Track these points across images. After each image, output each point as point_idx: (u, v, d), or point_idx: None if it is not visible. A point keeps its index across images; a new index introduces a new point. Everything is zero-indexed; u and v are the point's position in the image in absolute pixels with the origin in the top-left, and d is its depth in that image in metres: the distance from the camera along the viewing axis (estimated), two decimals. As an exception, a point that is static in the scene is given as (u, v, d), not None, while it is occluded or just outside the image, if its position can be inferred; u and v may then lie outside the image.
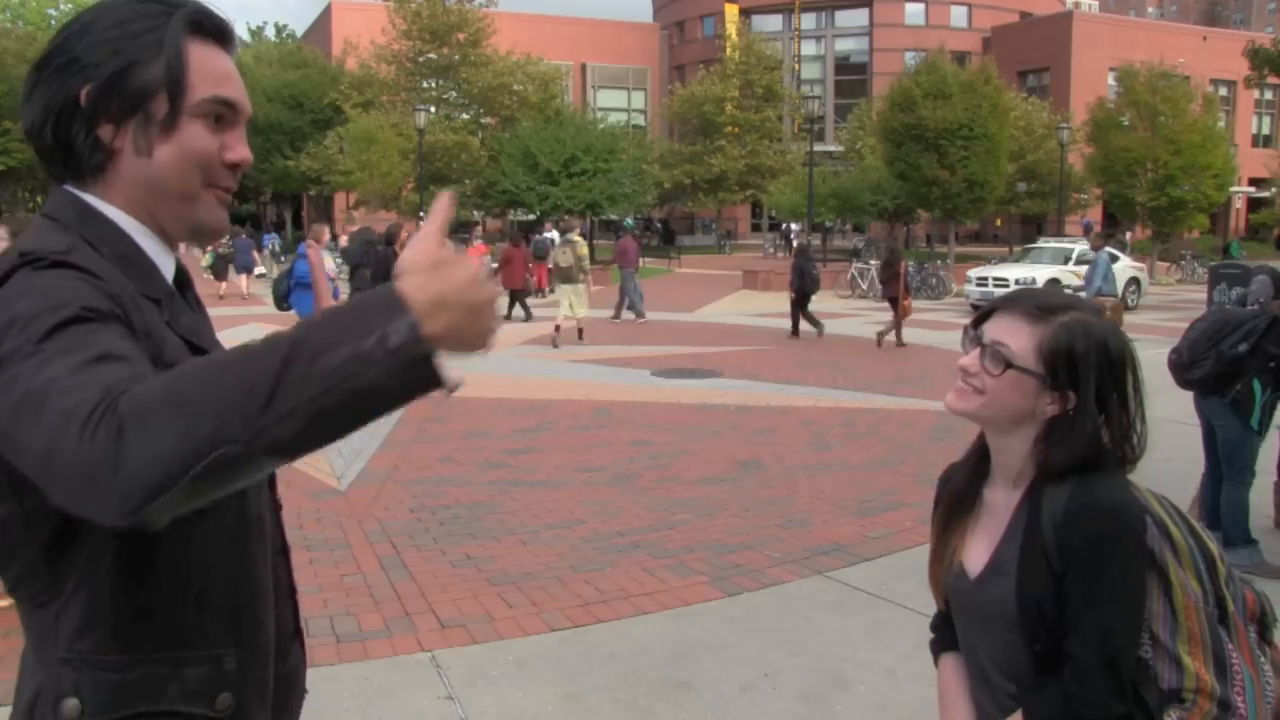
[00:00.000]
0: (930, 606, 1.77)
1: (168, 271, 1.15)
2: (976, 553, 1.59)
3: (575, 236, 14.52)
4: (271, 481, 1.26)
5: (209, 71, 1.12)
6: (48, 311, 0.91)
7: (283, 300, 10.23)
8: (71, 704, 1.03)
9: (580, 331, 14.09)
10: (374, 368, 0.83)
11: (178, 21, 1.11)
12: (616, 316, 17.40)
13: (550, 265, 17.27)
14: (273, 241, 33.50)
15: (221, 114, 1.13)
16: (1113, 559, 1.43)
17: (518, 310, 17.12)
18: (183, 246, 1.23)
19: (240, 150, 1.15)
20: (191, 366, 0.86)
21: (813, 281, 14.76)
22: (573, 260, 13.79)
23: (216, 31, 1.15)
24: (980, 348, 1.53)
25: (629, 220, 33.81)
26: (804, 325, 14.93)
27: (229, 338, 1.21)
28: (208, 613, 1.10)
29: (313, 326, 0.85)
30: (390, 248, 11.53)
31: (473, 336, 0.90)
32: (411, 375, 0.85)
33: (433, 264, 0.88)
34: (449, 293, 0.87)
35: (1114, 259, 11.00)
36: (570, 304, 13.80)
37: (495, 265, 17.35)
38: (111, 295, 0.99)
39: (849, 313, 19.54)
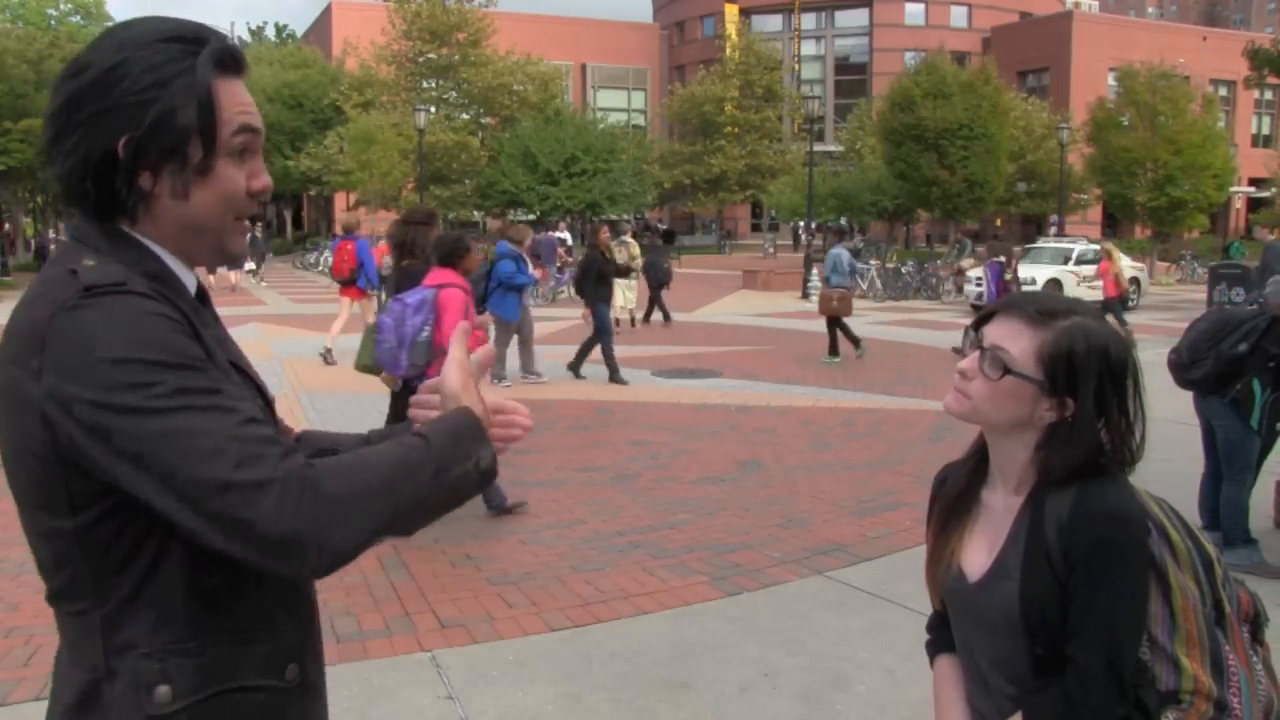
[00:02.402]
0: (930, 606, 1.77)
1: (191, 288, 1.20)
2: (976, 555, 1.58)
3: (628, 238, 16.38)
4: None
5: (234, 105, 1.14)
6: (158, 363, 1.01)
7: (478, 304, 9.37)
8: (163, 690, 1.11)
9: (633, 320, 15.98)
10: (470, 482, 1.16)
11: (206, 63, 1.12)
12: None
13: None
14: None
15: (246, 144, 1.16)
16: (1117, 564, 1.43)
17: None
18: None
19: (263, 178, 1.19)
20: (370, 463, 1.08)
21: (665, 274, 17.13)
22: (628, 258, 15.36)
23: (236, 65, 1.17)
24: (980, 351, 1.52)
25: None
26: (655, 314, 17.03)
27: (237, 340, 1.24)
28: (267, 594, 1.18)
29: (444, 445, 1.13)
30: (597, 250, 11.38)
31: None
32: (485, 483, 1.19)
33: (475, 388, 1.22)
34: (486, 418, 1.21)
35: (855, 254, 13.32)
36: (624, 296, 15.36)
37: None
38: (180, 320, 1.07)
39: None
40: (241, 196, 1.16)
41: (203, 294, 1.24)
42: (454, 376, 1.20)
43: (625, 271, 14.64)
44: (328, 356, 11.91)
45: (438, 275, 5.62)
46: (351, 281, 12.35)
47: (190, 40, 1.13)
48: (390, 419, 6.08)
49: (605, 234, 11.98)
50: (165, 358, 1.01)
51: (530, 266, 10.66)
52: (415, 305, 5.44)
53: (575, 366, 11.01)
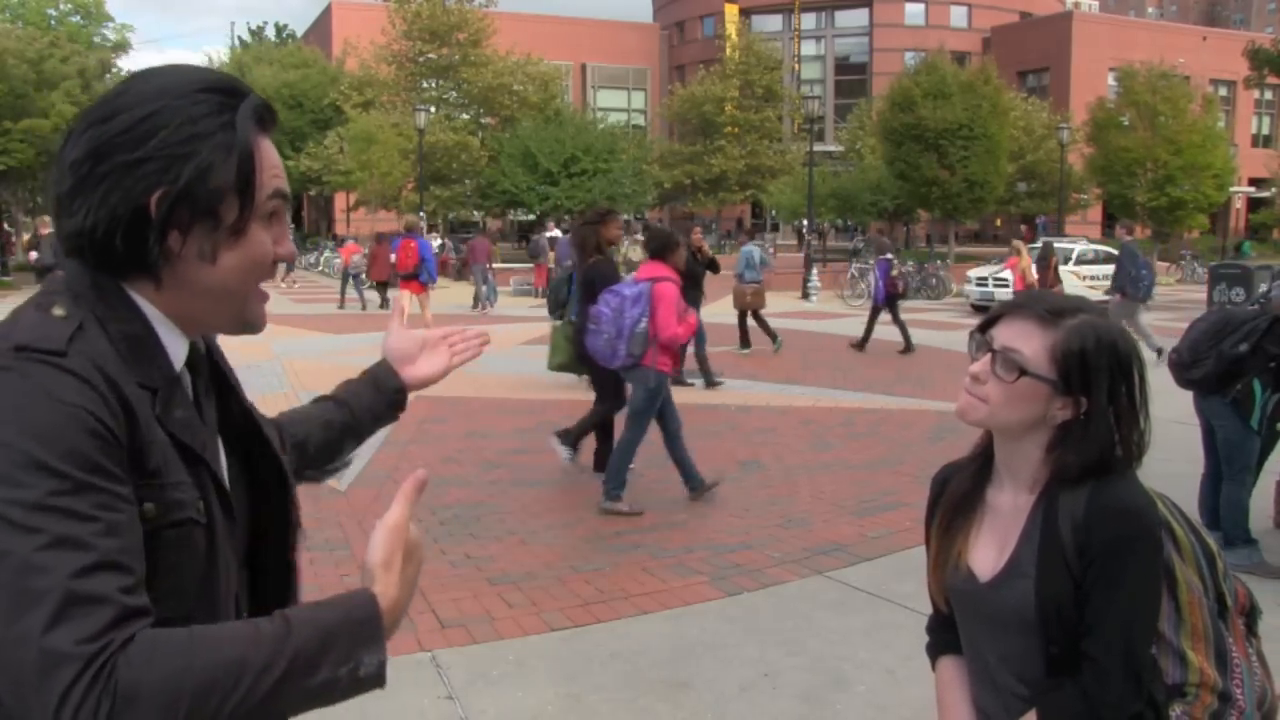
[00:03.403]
0: (930, 605, 1.77)
1: (178, 356, 1.08)
2: (985, 555, 1.58)
3: (640, 237, 16.87)
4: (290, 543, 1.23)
5: (270, 166, 1.08)
6: (39, 464, 0.88)
7: (562, 306, 9.47)
8: None
9: None
10: (338, 690, 0.94)
11: (247, 119, 1.05)
12: (476, 307, 19.98)
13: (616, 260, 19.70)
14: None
15: (276, 209, 1.09)
16: (1133, 560, 1.43)
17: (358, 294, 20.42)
18: None
19: (288, 245, 1.12)
20: (197, 655, 0.87)
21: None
22: (642, 257, 15.53)
23: (272, 121, 1.10)
24: (991, 354, 1.52)
25: (483, 222, 33.20)
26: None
27: (230, 338, 1.19)
28: None
29: (307, 638, 0.92)
30: (689, 250, 10.56)
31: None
32: (363, 691, 0.97)
33: (399, 564, 1.01)
34: (405, 599, 1.02)
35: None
36: None
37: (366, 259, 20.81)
38: (107, 414, 0.93)
39: (849, 313, 19.54)
40: (268, 263, 1.09)
41: (195, 358, 1.13)
42: (380, 545, 1.00)
43: (715, 266, 14.58)
44: None
45: (651, 269, 5.94)
46: (414, 276, 13.27)
47: (228, 93, 1.06)
48: (599, 401, 6.62)
49: (698, 233, 11.69)
50: (50, 460, 0.88)
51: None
52: (633, 298, 5.73)
53: (708, 379, 10.59)
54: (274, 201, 1.08)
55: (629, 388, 6.18)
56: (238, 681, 0.87)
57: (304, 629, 0.92)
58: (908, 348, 13.16)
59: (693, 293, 10.61)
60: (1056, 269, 16.26)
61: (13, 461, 0.88)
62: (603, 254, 6.52)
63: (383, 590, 0.98)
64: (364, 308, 19.78)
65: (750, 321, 13.08)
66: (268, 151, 1.08)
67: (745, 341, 13.11)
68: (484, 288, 19.93)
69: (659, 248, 6.01)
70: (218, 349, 1.21)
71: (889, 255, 14.11)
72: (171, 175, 1.00)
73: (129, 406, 0.96)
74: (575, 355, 6.70)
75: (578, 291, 6.75)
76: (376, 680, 0.96)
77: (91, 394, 0.93)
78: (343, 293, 20.87)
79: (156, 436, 1.00)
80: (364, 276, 20.39)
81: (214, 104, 1.03)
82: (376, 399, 1.51)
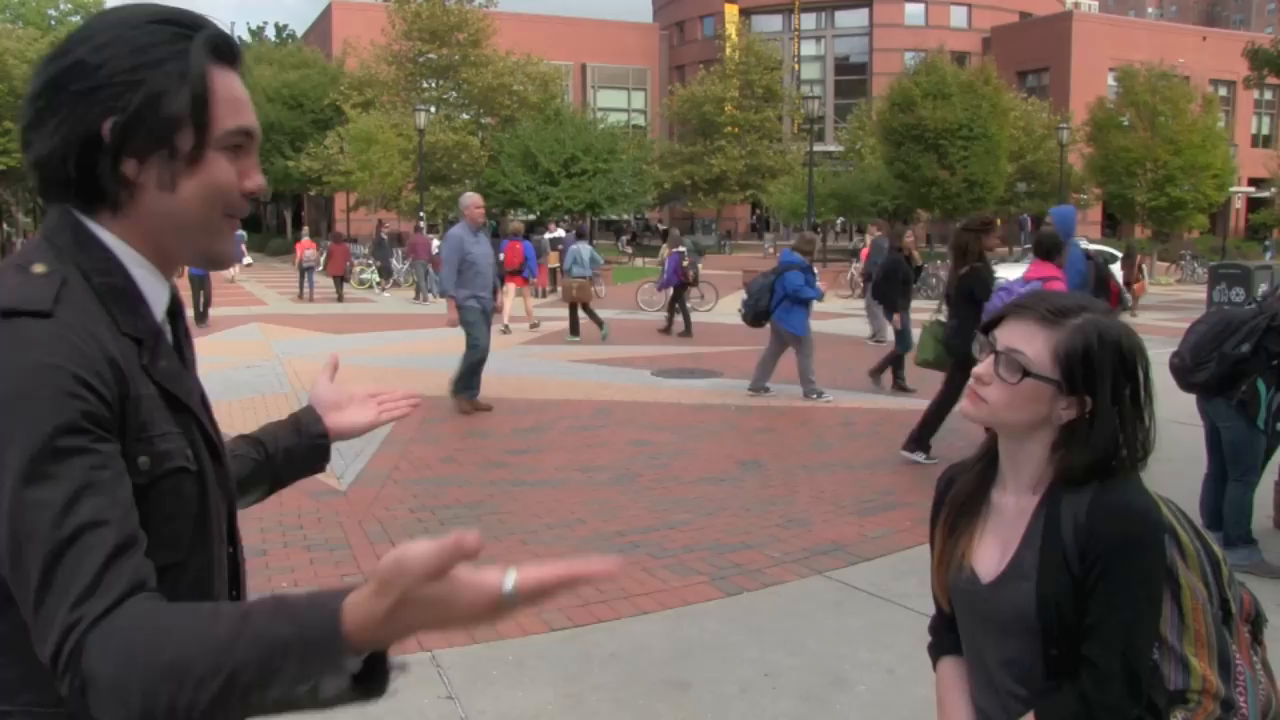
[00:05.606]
0: (931, 605, 1.76)
1: (160, 303, 1.11)
2: (988, 556, 1.57)
3: (683, 247, 18.50)
4: (231, 515, 1.21)
5: (230, 100, 1.08)
6: (23, 428, 0.91)
7: (762, 317, 9.53)
8: None
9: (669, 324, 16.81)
10: (300, 706, 0.90)
11: (201, 48, 1.06)
12: (417, 298, 22.31)
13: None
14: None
15: (241, 144, 1.10)
16: (1136, 563, 1.43)
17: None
18: None
19: (257, 178, 1.12)
20: (152, 645, 0.88)
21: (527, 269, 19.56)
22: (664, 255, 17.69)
23: (232, 55, 1.11)
24: (995, 355, 1.52)
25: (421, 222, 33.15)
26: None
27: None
28: None
29: (250, 654, 0.86)
30: (900, 253, 10.77)
31: (431, 629, 0.93)
32: (337, 706, 0.92)
33: (404, 597, 0.88)
34: (402, 631, 0.90)
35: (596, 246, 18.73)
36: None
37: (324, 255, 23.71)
38: (92, 365, 0.96)
39: (850, 313, 19.53)
40: (234, 192, 1.09)
41: (175, 307, 1.15)
42: (390, 566, 0.89)
43: (920, 272, 13.52)
44: (506, 328, 14.69)
45: (1040, 269, 6.28)
46: (517, 272, 15.33)
47: (184, 25, 1.07)
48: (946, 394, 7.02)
49: (911, 237, 11.48)
50: (41, 424, 0.91)
51: (818, 279, 10.15)
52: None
53: (877, 374, 10.43)
54: (238, 136, 1.09)
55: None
56: (180, 686, 0.86)
57: (251, 643, 0.87)
58: (687, 332, 15.05)
59: (903, 297, 10.52)
60: (1141, 267, 16.95)
61: (4, 427, 0.91)
62: (982, 261, 6.85)
63: (357, 602, 0.87)
64: (310, 299, 22.01)
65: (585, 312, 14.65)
66: (226, 82, 1.08)
67: (574, 330, 14.59)
68: (424, 281, 22.04)
69: (1047, 249, 6.36)
70: (183, 316, 1.22)
71: (681, 248, 16.05)
72: (123, 103, 1.02)
73: (116, 364, 0.98)
74: (946, 351, 7.07)
75: (954, 294, 6.98)
76: (344, 699, 0.90)
77: (81, 356, 0.95)
78: (301, 285, 22.90)
79: (144, 389, 1.02)
80: (317, 270, 22.85)
81: (166, 34, 1.05)
82: (297, 441, 1.49)
